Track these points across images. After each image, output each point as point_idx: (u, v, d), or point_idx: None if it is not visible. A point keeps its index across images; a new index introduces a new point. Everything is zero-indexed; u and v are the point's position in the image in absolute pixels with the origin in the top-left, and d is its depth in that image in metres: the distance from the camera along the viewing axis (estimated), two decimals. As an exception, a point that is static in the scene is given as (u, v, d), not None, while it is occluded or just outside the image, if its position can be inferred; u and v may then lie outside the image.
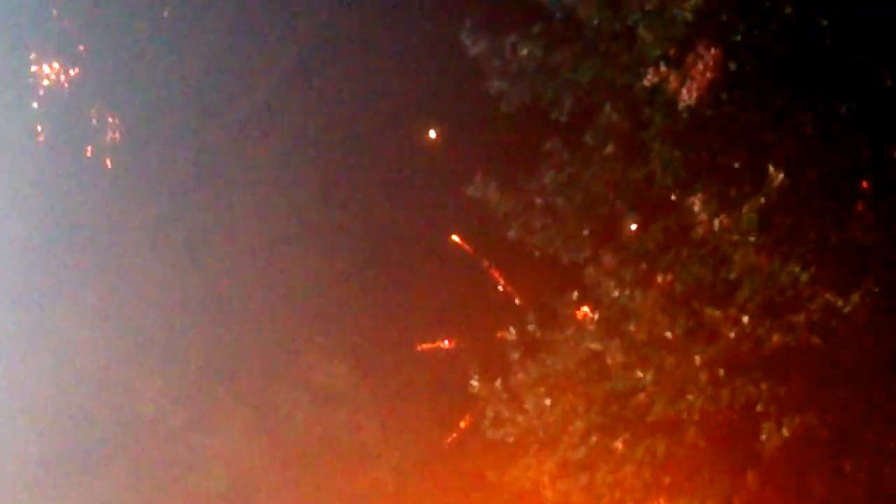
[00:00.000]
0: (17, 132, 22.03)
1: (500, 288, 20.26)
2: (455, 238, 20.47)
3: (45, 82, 21.97)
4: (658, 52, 14.90)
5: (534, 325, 15.68)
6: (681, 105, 14.73)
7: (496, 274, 20.29)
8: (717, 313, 14.38)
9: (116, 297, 22.28)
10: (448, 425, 20.48)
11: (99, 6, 21.96)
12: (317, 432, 21.80)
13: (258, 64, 22.04)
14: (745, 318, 14.25)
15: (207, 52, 21.90)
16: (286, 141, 22.03)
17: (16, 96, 21.97)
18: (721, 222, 14.35)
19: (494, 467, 16.46)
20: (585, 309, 15.57)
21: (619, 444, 14.99)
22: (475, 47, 16.20)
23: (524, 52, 15.95)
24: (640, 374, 14.78)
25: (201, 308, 22.16)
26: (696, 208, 14.46)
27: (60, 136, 22.17)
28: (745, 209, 14.26)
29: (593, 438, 15.18)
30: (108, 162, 22.25)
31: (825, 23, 14.77)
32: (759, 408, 14.25)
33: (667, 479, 14.94)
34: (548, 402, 15.44)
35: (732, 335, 14.30)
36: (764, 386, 14.23)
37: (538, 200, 16.06)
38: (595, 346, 15.17)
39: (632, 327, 14.93)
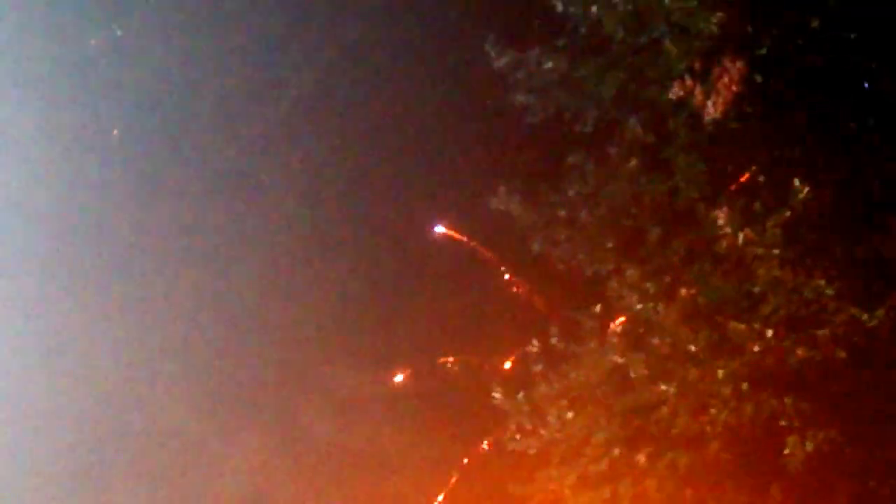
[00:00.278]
0: (45, 139, 22.10)
1: (523, 300, 20.24)
2: (441, 229, 20.41)
3: (71, 86, 22.06)
4: (683, 66, 14.91)
5: (557, 338, 15.71)
6: (705, 118, 14.72)
7: (519, 286, 20.28)
8: (741, 327, 14.35)
9: (138, 308, 22.29)
10: (470, 437, 20.45)
11: (130, 15, 22.03)
12: (338, 443, 21.78)
13: (284, 76, 22.06)
14: (769, 332, 14.23)
15: (235, 63, 21.93)
16: (311, 153, 22.05)
17: (47, 102, 22.05)
18: (745, 236, 14.33)
19: (516, 479, 16.45)
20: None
21: (641, 457, 14.97)
22: (500, 60, 16.23)
23: (548, 65, 15.97)
24: (663, 387, 14.76)
25: (223, 318, 22.17)
26: (721, 222, 14.43)
27: (84, 141, 22.21)
28: (770, 223, 14.24)
29: (615, 451, 15.17)
30: (135, 172, 22.30)
31: (852, 36, 14.74)
32: (782, 422, 14.23)
33: (689, 493, 14.91)
34: (570, 414, 15.44)
35: (756, 349, 14.28)
36: (788, 400, 14.20)
37: (562, 213, 16.08)
38: (618, 359, 15.16)
39: (655, 340, 14.93)
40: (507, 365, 18.46)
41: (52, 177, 22.17)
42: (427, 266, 21.41)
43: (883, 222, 14.40)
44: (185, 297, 22.30)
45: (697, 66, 14.90)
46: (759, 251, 14.27)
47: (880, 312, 13.93)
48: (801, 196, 14.20)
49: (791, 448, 14.03)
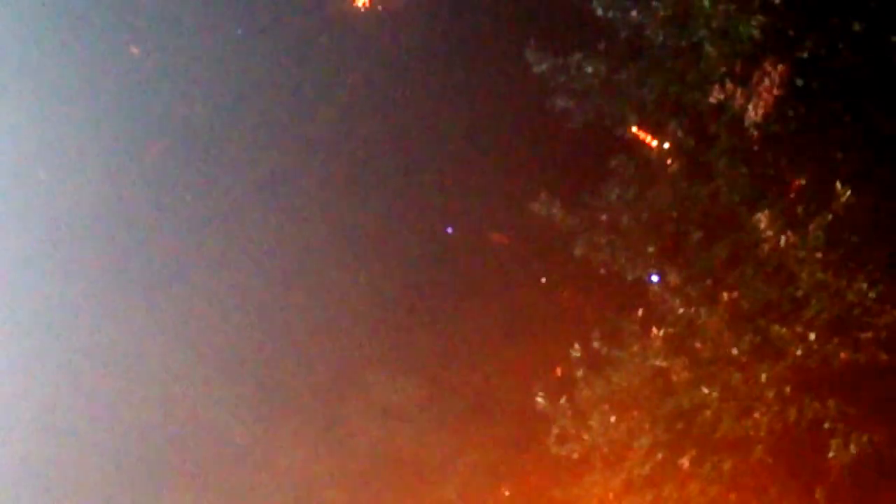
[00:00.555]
0: (80, 141, 22.27)
1: (566, 305, 20.25)
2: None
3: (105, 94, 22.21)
4: (724, 69, 14.88)
5: (599, 342, 15.67)
6: (747, 122, 14.69)
7: (561, 291, 20.28)
8: (784, 330, 14.31)
9: (182, 312, 22.40)
10: (513, 442, 20.45)
11: (171, 20, 22.15)
12: (382, 449, 21.82)
13: (325, 83, 22.14)
14: (812, 335, 14.18)
15: (276, 69, 22.03)
16: (354, 158, 22.12)
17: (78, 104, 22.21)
18: (787, 239, 14.27)
19: (560, 484, 16.45)
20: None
21: (684, 462, 14.92)
22: (540, 65, 16.24)
23: (589, 69, 15.97)
24: (705, 391, 14.73)
25: (267, 324, 22.26)
26: (763, 225, 14.38)
27: (123, 141, 22.34)
28: (812, 226, 14.19)
29: (659, 455, 15.14)
30: (178, 174, 22.41)
31: (894, 38, 14.68)
32: (826, 425, 14.17)
33: (733, 497, 14.87)
34: (613, 419, 15.41)
35: (799, 352, 14.24)
36: (831, 403, 14.15)
37: (603, 217, 16.08)
38: (660, 363, 15.13)
39: (697, 344, 14.90)
40: (557, 371, 18.45)
41: (94, 184, 22.32)
42: (470, 271, 21.44)
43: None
44: (231, 302, 22.40)
45: (738, 69, 14.87)
46: (802, 254, 14.22)
47: (924, 315, 13.90)
48: (844, 199, 14.15)
49: (835, 451, 13.97)
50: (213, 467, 22.30)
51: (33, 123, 22.22)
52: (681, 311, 15.09)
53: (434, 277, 21.72)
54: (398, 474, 21.67)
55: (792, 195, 14.76)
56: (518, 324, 20.88)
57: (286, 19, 21.87)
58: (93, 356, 22.31)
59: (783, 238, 14.29)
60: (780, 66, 14.49)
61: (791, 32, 14.72)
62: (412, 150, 21.72)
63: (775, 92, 14.51)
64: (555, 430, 15.85)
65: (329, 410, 22.15)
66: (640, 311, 15.56)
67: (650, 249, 15.77)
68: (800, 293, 14.37)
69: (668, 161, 15.70)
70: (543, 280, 20.64)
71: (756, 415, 14.42)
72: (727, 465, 14.68)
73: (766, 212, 14.46)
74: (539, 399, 15.94)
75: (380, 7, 21.68)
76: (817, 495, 14.40)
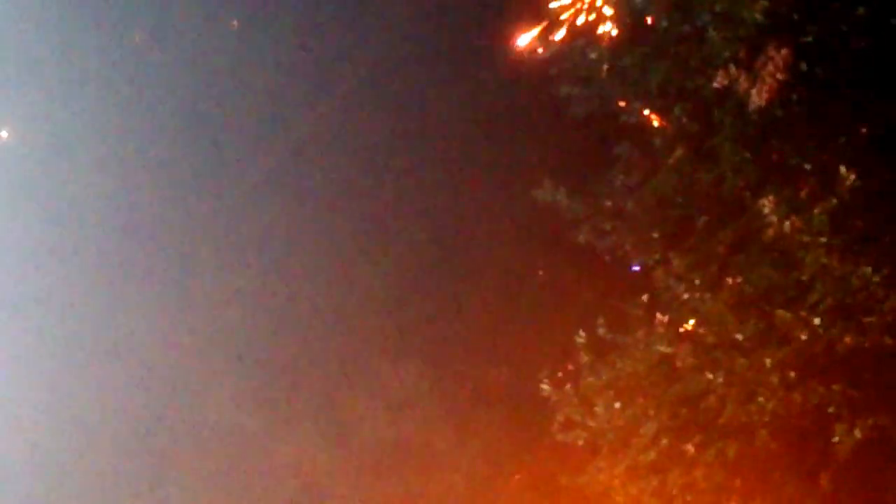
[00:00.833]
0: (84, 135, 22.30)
1: (570, 291, 20.24)
2: None
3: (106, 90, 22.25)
4: (728, 54, 14.84)
5: (604, 329, 15.66)
6: (751, 107, 14.66)
7: (566, 278, 20.28)
8: (789, 315, 14.27)
9: (188, 302, 22.44)
10: (519, 430, 20.46)
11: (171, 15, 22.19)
12: (388, 438, 21.85)
13: (325, 77, 22.17)
14: (817, 320, 14.15)
15: (276, 62, 22.05)
16: (356, 149, 22.14)
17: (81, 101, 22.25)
18: (792, 224, 14.24)
19: (565, 471, 16.45)
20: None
21: (690, 447, 14.92)
22: (543, 51, 16.22)
23: (593, 55, 15.95)
24: (710, 376, 14.71)
25: (272, 313, 22.29)
26: (767, 210, 14.36)
27: (129, 137, 22.38)
28: (817, 211, 14.16)
29: (664, 441, 15.12)
30: (188, 174, 22.46)
31: (897, 22, 14.67)
32: (831, 410, 14.14)
33: (738, 482, 14.86)
34: (618, 405, 15.40)
35: (804, 337, 14.20)
36: (836, 388, 14.12)
37: (607, 204, 16.07)
38: (665, 349, 15.11)
39: (702, 330, 14.88)
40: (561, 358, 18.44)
41: (106, 183, 22.37)
42: (474, 259, 21.45)
43: (931, 208, 14.36)
44: (234, 294, 22.43)
45: (742, 54, 14.84)
46: (806, 239, 14.19)
47: (928, 299, 13.88)
48: (848, 183, 14.12)
49: (840, 436, 13.94)
50: (216, 458, 22.35)
51: (31, 118, 22.28)
52: (685, 296, 15.08)
53: (438, 266, 21.74)
54: (403, 463, 21.70)
55: (796, 180, 14.71)
56: (522, 311, 20.91)
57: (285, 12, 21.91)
58: (96, 349, 22.37)
59: (787, 223, 14.27)
60: (783, 51, 14.46)
61: (795, 16, 14.69)
62: (416, 140, 21.74)
63: (779, 77, 14.48)
64: (560, 418, 15.84)
65: (333, 400, 22.19)
66: (645, 297, 15.55)
67: (654, 235, 15.75)
68: (804, 278, 14.32)
69: (673, 147, 15.65)
70: (548, 267, 20.65)
71: (760, 400, 14.39)
72: (732, 451, 14.65)
73: (771, 197, 14.43)
74: (544, 386, 15.92)
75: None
76: (822, 480, 14.37)
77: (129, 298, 22.55)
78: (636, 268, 16.28)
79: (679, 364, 15.01)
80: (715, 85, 14.86)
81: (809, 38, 14.64)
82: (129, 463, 22.43)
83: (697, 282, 15.05)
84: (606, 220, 16.06)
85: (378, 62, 21.83)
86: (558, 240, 18.11)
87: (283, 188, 22.33)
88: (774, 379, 14.33)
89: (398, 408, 21.85)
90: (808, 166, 14.81)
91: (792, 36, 14.61)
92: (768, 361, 14.35)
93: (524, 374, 18.97)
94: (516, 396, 20.04)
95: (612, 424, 15.46)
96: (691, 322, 15.10)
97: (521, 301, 20.99)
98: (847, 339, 14.05)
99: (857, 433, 13.91)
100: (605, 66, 15.98)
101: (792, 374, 14.29)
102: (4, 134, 22.31)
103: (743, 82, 14.65)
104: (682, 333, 15.06)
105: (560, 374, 16.00)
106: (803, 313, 14.24)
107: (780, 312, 14.35)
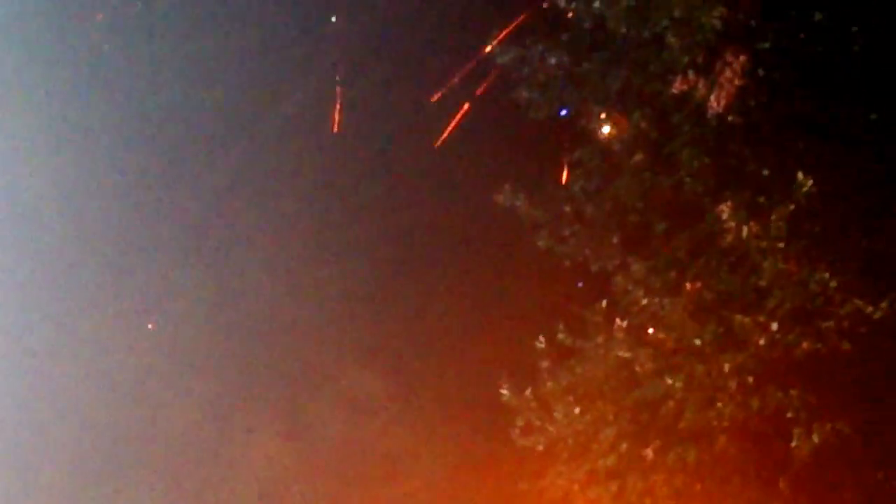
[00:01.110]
0: (48, 139, 22.18)
1: (530, 297, 20.24)
2: None
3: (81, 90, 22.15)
4: (686, 60, 14.90)
5: (563, 334, 15.68)
6: (709, 112, 14.72)
7: (526, 283, 20.27)
8: (747, 320, 14.36)
9: (148, 307, 22.35)
10: (479, 434, 20.46)
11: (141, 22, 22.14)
12: (348, 441, 21.82)
13: (290, 75, 22.11)
14: (775, 325, 14.24)
15: (242, 60, 21.99)
16: (317, 151, 22.09)
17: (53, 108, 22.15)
18: (750, 229, 14.33)
19: (525, 476, 16.45)
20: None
21: (649, 452, 14.97)
22: (503, 56, 16.23)
23: (552, 60, 15.96)
24: (669, 381, 14.78)
25: (234, 318, 22.22)
26: (725, 216, 14.45)
27: (96, 145, 22.29)
28: (774, 216, 14.24)
29: (623, 446, 15.17)
30: (147, 175, 22.37)
31: (854, 29, 14.73)
32: (789, 414, 14.23)
33: (697, 487, 14.91)
34: (577, 410, 15.45)
35: (762, 342, 14.29)
36: (794, 393, 14.20)
37: (567, 209, 16.08)
38: (624, 354, 15.16)
39: (661, 335, 14.93)
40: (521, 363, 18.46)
41: (60, 178, 22.25)
42: (434, 264, 21.44)
43: (887, 214, 14.41)
44: (194, 296, 22.35)
45: (701, 60, 14.90)
46: (764, 245, 14.28)
47: (885, 304, 13.93)
48: (806, 189, 14.20)
49: (797, 441, 14.03)
50: (179, 461, 22.26)
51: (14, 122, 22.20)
52: (644, 301, 15.12)
53: (399, 270, 21.71)
54: (364, 467, 21.67)
55: (754, 185, 14.77)
56: (482, 316, 20.89)
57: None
58: (56, 352, 22.24)
59: (746, 228, 14.35)
60: (741, 57, 14.54)
61: (752, 23, 14.76)
62: (375, 143, 21.71)
63: (737, 82, 14.56)
64: (520, 422, 15.87)
65: (295, 403, 22.13)
66: (604, 303, 15.57)
67: (614, 241, 15.77)
68: (762, 283, 14.42)
69: (632, 152, 15.68)
70: (508, 272, 20.64)
71: (719, 405, 14.47)
72: (691, 456, 14.71)
73: (729, 202, 14.51)
74: (504, 391, 15.95)
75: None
76: (780, 484, 14.45)
77: (90, 301, 22.44)
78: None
79: (638, 369, 15.08)
80: (673, 90, 14.94)
81: (767, 44, 14.71)
82: (90, 467, 22.32)
83: (657, 287, 15.08)
84: (566, 226, 16.08)
85: (335, 68, 21.80)
86: (518, 245, 18.11)
87: (245, 192, 22.27)
88: (733, 384, 14.41)
89: (358, 412, 21.82)
90: (766, 172, 14.87)
91: (750, 42, 14.67)
92: (727, 366, 14.43)
93: (484, 379, 18.95)
94: (476, 401, 20.00)
95: (572, 429, 15.51)
96: (650, 327, 15.12)
97: (481, 306, 20.96)
98: (805, 344, 14.13)
99: (815, 437, 14.00)
100: (565, 71, 15.97)
101: (750, 379, 14.37)
102: None
103: (701, 88, 14.74)
104: (641, 339, 15.08)
105: (520, 379, 16.00)
106: (761, 318, 14.32)
107: (739, 317, 14.43)
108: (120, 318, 22.30)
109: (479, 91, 19.45)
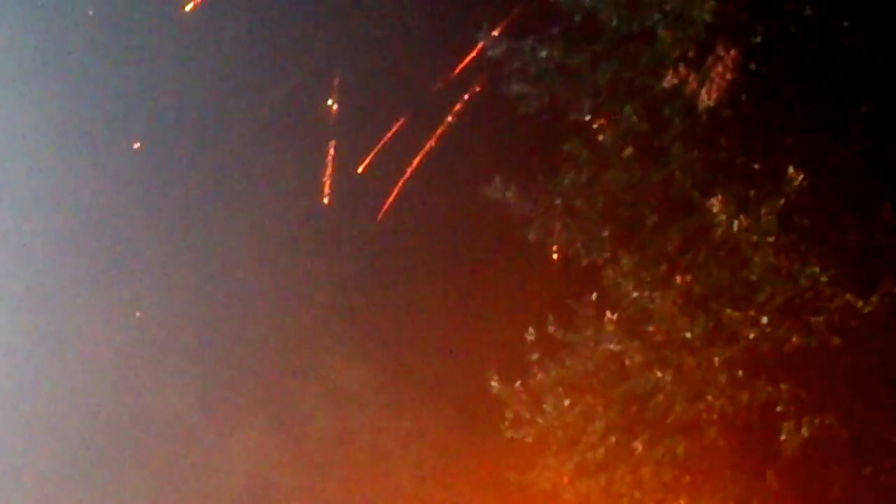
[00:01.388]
0: (43, 138, 22.18)
1: (520, 289, 20.27)
2: None
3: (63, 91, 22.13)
4: (677, 54, 14.89)
5: (553, 326, 15.68)
6: (700, 106, 14.72)
7: (516, 275, 20.29)
8: (737, 314, 14.36)
9: (136, 298, 22.37)
10: (468, 426, 20.49)
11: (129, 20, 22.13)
12: (336, 433, 21.86)
13: (276, 69, 22.12)
14: (765, 319, 14.24)
15: (227, 55, 21.99)
16: (304, 144, 22.11)
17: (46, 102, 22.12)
18: (740, 223, 14.31)
19: (514, 468, 16.47)
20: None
21: (638, 445, 14.98)
22: (494, 49, 16.21)
23: (543, 53, 15.95)
24: (659, 374, 14.78)
25: (221, 309, 22.25)
26: (716, 209, 14.42)
27: (84, 139, 22.29)
28: (765, 210, 14.24)
29: (612, 439, 15.18)
30: (134, 167, 22.37)
31: (845, 23, 14.75)
32: (778, 408, 14.24)
33: (686, 480, 14.94)
34: (567, 402, 15.44)
35: (752, 336, 14.29)
36: (783, 386, 14.22)
37: (557, 202, 16.06)
38: (614, 347, 15.17)
39: (651, 328, 14.94)
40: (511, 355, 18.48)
41: (46, 171, 22.24)
42: (424, 256, 21.46)
43: (877, 209, 14.45)
44: (184, 289, 22.37)
45: (692, 54, 14.89)
46: (755, 238, 14.27)
47: (875, 299, 13.93)
48: (796, 183, 14.20)
49: (787, 434, 14.03)
50: (165, 452, 22.30)
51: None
52: (634, 294, 15.12)
53: (388, 263, 21.74)
54: (352, 459, 21.73)
55: (745, 179, 14.79)
56: (472, 308, 20.94)
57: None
58: (41, 346, 22.24)
59: (736, 222, 14.33)
60: (733, 51, 14.53)
61: (744, 17, 14.76)
62: (363, 137, 21.73)
63: (728, 76, 14.55)
64: (509, 415, 15.86)
65: (283, 395, 22.18)
66: (594, 296, 15.58)
67: (604, 234, 15.77)
68: (753, 277, 14.41)
69: (622, 146, 15.67)
70: (498, 265, 20.67)
71: (709, 398, 14.48)
72: (680, 449, 14.72)
73: (720, 196, 14.48)
74: (493, 383, 15.94)
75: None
76: (769, 477, 14.47)
77: (74, 295, 22.43)
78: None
79: (628, 362, 15.08)
80: (664, 84, 14.91)
81: (758, 39, 14.71)
82: (76, 455, 22.33)
83: (647, 280, 15.08)
84: (556, 219, 16.06)
85: (322, 60, 21.81)
86: (508, 237, 18.13)
87: (229, 183, 22.27)
88: (723, 377, 14.42)
89: (347, 404, 21.85)
90: (756, 166, 14.89)
91: (741, 36, 14.67)
92: (717, 360, 14.44)
93: (473, 371, 18.99)
94: (465, 393, 20.06)
95: (561, 422, 15.50)
96: (640, 321, 15.14)
97: (471, 298, 21.02)
98: (794, 339, 14.14)
99: (804, 431, 14.01)
100: (556, 64, 15.96)
101: (740, 372, 14.38)
102: None
103: (692, 82, 14.71)
104: (631, 331, 15.09)
105: (509, 372, 16.00)
106: (751, 312, 14.33)
107: (729, 311, 14.43)
108: (106, 309, 22.31)
109: (469, 84, 19.46)
